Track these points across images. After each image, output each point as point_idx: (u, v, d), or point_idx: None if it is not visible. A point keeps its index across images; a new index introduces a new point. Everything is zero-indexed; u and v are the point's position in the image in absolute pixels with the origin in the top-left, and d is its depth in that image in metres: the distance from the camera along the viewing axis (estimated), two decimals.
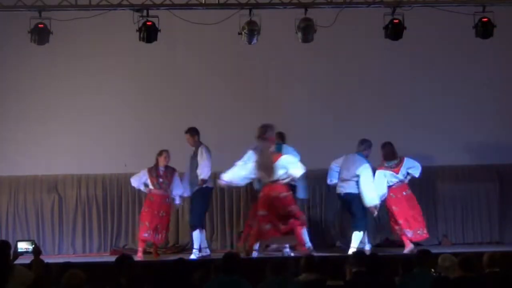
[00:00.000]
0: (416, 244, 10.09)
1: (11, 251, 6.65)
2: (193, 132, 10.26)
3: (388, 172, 10.19)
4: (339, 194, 10.29)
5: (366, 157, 10.13)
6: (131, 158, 11.17)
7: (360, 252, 7.19)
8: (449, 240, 11.33)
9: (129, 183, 11.16)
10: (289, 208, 9.49)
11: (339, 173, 10.20)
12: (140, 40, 9.72)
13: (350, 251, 9.54)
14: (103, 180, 11.39)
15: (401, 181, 10.24)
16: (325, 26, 9.65)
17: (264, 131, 9.62)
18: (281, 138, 10.17)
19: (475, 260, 6.52)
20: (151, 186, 10.39)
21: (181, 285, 6.58)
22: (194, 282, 6.51)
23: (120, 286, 6.33)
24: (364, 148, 10.16)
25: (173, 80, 11.44)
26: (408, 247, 10.02)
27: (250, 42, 9.79)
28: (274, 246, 10.16)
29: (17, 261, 6.74)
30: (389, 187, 10.17)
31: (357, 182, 10.02)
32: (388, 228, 11.17)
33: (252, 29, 9.65)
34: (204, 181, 10.09)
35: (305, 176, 9.86)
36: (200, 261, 9.45)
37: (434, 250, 7.11)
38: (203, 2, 9.89)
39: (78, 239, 11.23)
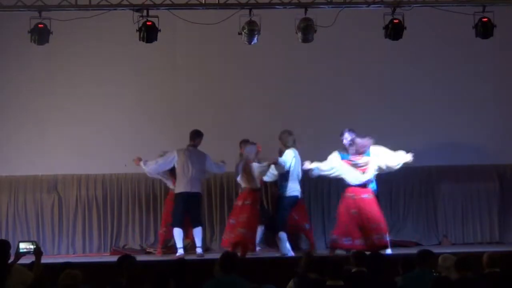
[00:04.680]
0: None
1: (13, 251, 6.66)
2: None
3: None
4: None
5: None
6: (131, 158, 11.16)
7: (360, 252, 7.18)
8: (449, 240, 11.33)
9: (129, 183, 11.21)
10: None
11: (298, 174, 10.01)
12: (140, 40, 9.71)
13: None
14: (103, 180, 11.39)
15: None
16: (325, 26, 9.65)
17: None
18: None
19: (471, 260, 6.53)
20: None
21: (181, 285, 6.59)
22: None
23: (120, 286, 6.33)
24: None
25: (173, 80, 11.44)
26: None
27: (250, 42, 9.79)
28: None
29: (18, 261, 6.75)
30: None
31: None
32: (388, 228, 11.21)
33: (252, 29, 9.65)
34: None
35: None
36: (200, 261, 9.45)
37: (434, 250, 7.10)
38: (203, 2, 9.89)
39: (78, 239, 11.23)
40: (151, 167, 10.43)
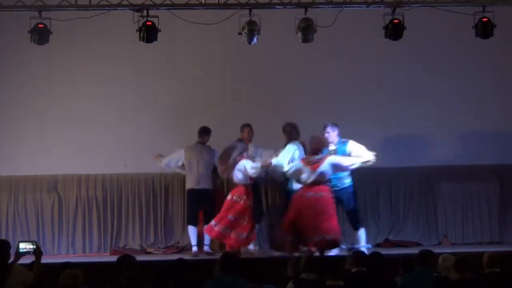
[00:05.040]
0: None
1: (13, 251, 6.67)
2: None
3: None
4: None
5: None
6: (131, 158, 11.18)
7: (360, 252, 7.19)
8: (449, 240, 11.33)
9: (129, 183, 11.22)
10: None
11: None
12: (140, 40, 9.72)
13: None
14: (103, 180, 11.38)
15: None
16: (325, 26, 9.65)
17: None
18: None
19: (471, 260, 6.53)
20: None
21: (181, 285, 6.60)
22: None
23: (120, 286, 6.33)
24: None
25: (173, 80, 11.44)
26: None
27: (250, 42, 9.79)
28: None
29: (17, 261, 6.75)
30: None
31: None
32: (387, 228, 11.22)
33: (252, 29, 9.66)
34: None
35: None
36: (200, 261, 9.46)
37: (434, 250, 7.11)
38: (203, 2, 9.89)
39: (78, 239, 11.22)
40: (163, 164, 10.60)
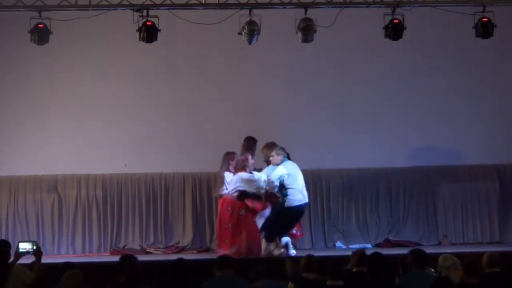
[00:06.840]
0: None
1: (13, 251, 6.67)
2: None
3: None
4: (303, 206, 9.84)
5: None
6: (131, 158, 11.19)
7: (360, 252, 7.18)
8: (449, 240, 11.33)
9: (129, 183, 11.22)
10: None
11: (294, 181, 9.67)
12: (140, 40, 9.72)
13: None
14: (103, 180, 11.38)
15: None
16: (325, 26, 9.65)
17: None
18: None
19: (478, 265, 6.51)
20: None
21: (180, 285, 6.60)
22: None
23: (119, 285, 6.34)
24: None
25: (173, 80, 11.43)
26: None
27: (250, 42, 9.79)
28: None
29: (17, 261, 6.75)
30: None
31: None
32: (387, 228, 11.22)
33: (252, 29, 9.66)
34: None
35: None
36: (200, 261, 9.46)
37: (434, 250, 7.11)
38: (203, 2, 9.89)
39: (78, 239, 11.23)
40: None
